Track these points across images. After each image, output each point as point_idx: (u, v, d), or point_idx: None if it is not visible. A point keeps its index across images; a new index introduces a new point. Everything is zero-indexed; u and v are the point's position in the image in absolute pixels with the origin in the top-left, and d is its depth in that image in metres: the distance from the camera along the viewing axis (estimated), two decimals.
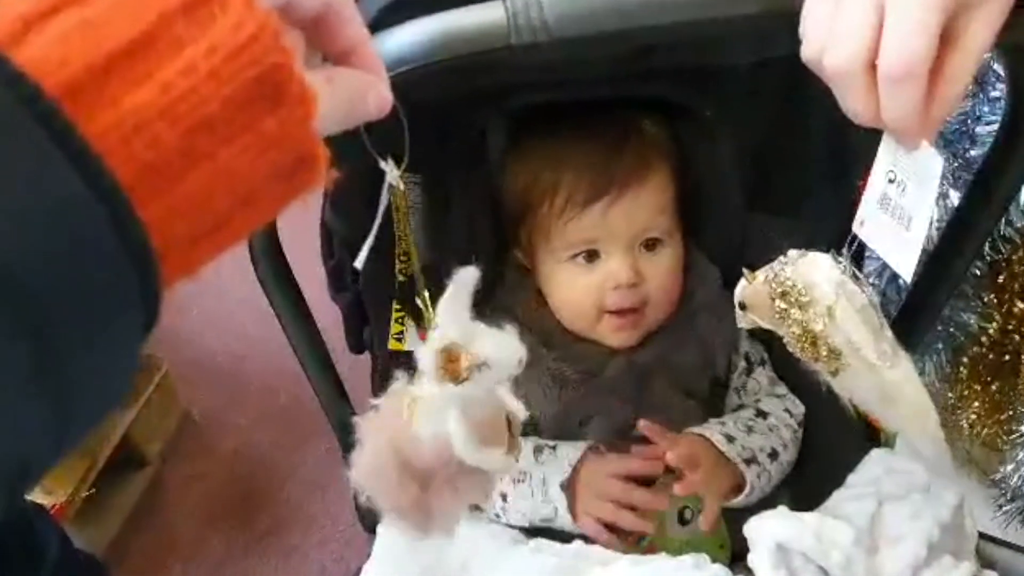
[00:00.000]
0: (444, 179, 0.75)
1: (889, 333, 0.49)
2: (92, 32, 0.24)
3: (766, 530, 0.62)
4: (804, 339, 0.49)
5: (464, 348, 0.41)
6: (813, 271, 0.49)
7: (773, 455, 0.75)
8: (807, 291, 0.48)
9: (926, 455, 0.59)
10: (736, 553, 0.75)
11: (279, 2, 0.30)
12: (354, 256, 0.76)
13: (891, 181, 0.44)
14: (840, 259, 0.49)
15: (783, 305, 0.49)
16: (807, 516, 0.66)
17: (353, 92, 0.34)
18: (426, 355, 0.41)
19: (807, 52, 0.42)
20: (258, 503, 1.45)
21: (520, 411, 0.45)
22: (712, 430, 0.74)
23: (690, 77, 0.72)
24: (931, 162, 0.43)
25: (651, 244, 0.75)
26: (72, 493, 1.24)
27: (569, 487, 0.72)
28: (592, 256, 0.75)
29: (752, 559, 0.64)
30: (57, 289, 0.22)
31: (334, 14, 0.33)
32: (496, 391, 0.44)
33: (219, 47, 0.25)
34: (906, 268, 0.46)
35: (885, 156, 0.44)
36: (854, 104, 0.40)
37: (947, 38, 0.38)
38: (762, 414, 0.78)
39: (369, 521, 0.76)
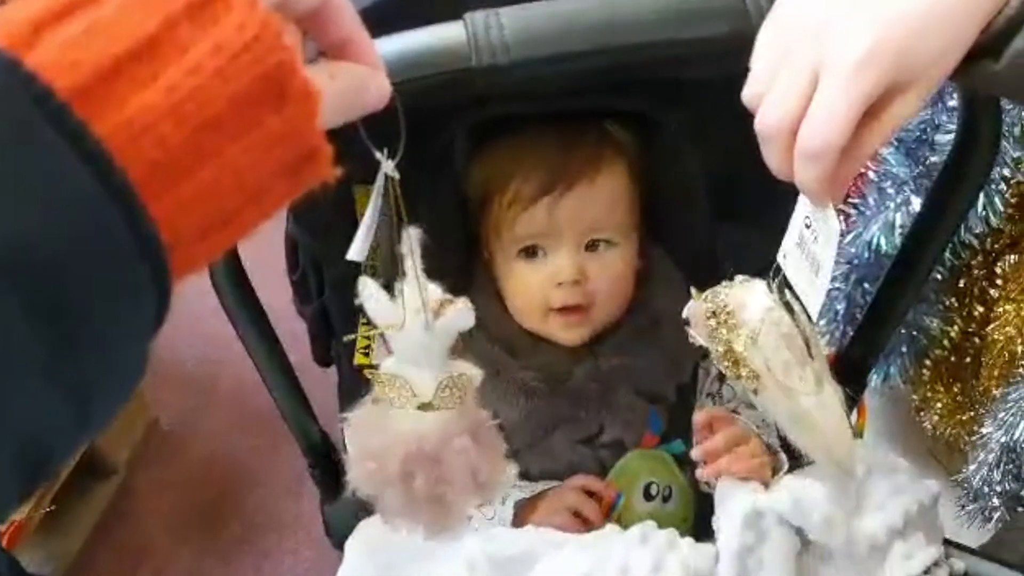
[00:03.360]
0: (410, 188, 0.74)
1: (818, 364, 0.52)
2: (100, 36, 0.25)
3: (741, 492, 0.63)
4: (728, 357, 0.51)
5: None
6: (747, 295, 0.52)
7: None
8: (736, 313, 0.51)
9: (834, 483, 0.60)
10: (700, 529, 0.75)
11: None
12: (319, 268, 0.76)
13: (807, 227, 0.47)
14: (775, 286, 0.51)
15: (713, 323, 0.52)
16: (782, 477, 0.66)
17: (354, 85, 0.34)
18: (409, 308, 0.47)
19: (747, 95, 0.43)
20: (229, 510, 1.43)
21: (475, 373, 0.51)
22: (748, 418, 0.74)
23: (657, 89, 0.72)
24: (833, 222, 0.45)
25: (597, 244, 0.76)
26: (33, 509, 1.21)
27: (524, 506, 0.73)
28: (539, 252, 0.75)
29: (716, 521, 0.64)
30: (73, 280, 0.23)
31: (330, 7, 0.34)
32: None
33: (224, 47, 0.26)
34: (813, 307, 0.49)
35: (803, 203, 0.47)
36: (772, 161, 0.43)
37: (869, 110, 0.39)
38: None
39: (337, 537, 0.75)
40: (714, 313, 0.51)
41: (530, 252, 0.75)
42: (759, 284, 0.52)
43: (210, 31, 0.26)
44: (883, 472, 0.68)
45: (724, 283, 0.53)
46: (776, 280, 0.51)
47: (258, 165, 0.28)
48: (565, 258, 0.74)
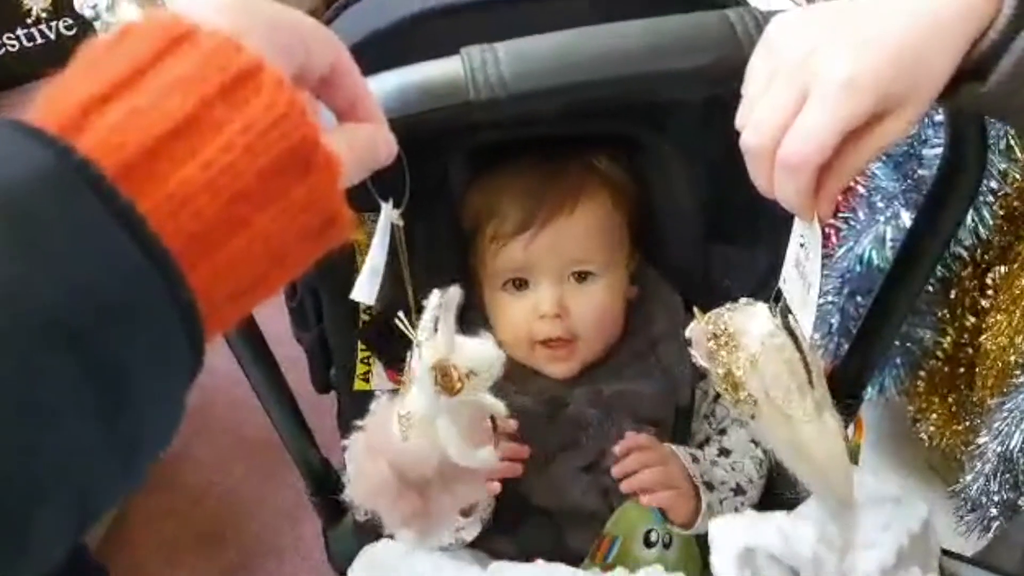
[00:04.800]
0: (407, 219, 0.75)
1: (819, 392, 0.51)
2: (142, 118, 0.27)
3: (732, 532, 0.63)
4: (727, 380, 0.51)
5: (452, 363, 0.48)
6: (748, 320, 0.52)
7: (737, 490, 0.76)
8: (736, 336, 0.51)
9: (832, 512, 0.61)
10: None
11: (293, 71, 0.33)
12: (317, 295, 0.76)
13: (802, 246, 0.48)
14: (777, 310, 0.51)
15: (714, 346, 0.52)
16: (774, 515, 0.66)
17: (367, 146, 0.36)
18: (420, 373, 0.47)
19: (738, 120, 0.45)
20: (226, 537, 1.42)
21: (499, 408, 0.51)
22: (679, 449, 0.76)
23: (646, 113, 0.73)
24: (818, 237, 0.46)
25: (581, 276, 0.76)
26: None
27: None
28: (522, 285, 0.76)
29: (714, 561, 0.65)
30: (122, 346, 0.25)
31: (340, 73, 0.36)
32: (479, 394, 0.50)
33: (253, 125, 0.28)
34: (806, 326, 0.50)
35: (798, 223, 0.47)
36: (757, 178, 0.44)
37: (856, 130, 0.40)
38: (725, 452, 0.78)
39: (340, 563, 0.75)
40: (715, 335, 0.51)
41: (514, 284, 0.76)
42: (762, 307, 0.52)
43: (242, 110, 0.28)
44: (870, 504, 0.68)
45: (727, 305, 0.53)
46: (779, 304, 0.51)
47: (285, 232, 0.29)
48: (545, 291, 0.75)
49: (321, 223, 0.30)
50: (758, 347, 0.50)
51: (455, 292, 0.46)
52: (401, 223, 0.44)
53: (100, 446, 0.25)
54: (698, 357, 0.53)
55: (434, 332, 0.49)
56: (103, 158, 0.26)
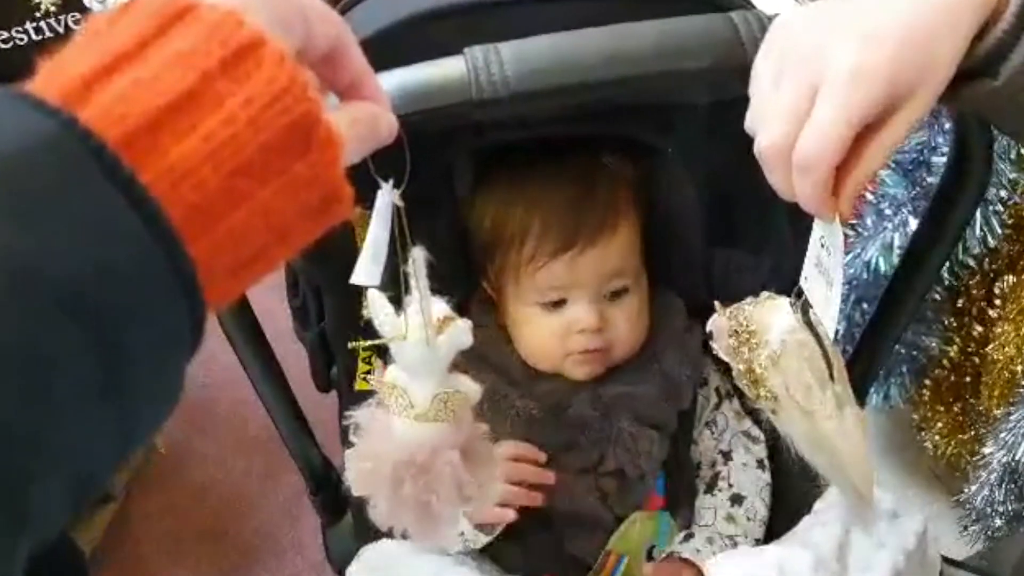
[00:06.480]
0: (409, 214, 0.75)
1: (839, 387, 0.51)
2: (144, 90, 0.27)
3: (728, 569, 0.63)
4: (748, 377, 0.51)
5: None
6: (770, 315, 0.51)
7: (756, 543, 0.76)
8: (758, 333, 0.50)
9: (853, 509, 0.60)
10: None
11: (295, 46, 0.33)
12: (319, 293, 0.76)
13: (822, 246, 0.47)
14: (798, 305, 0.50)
15: (734, 342, 0.51)
16: (768, 549, 0.66)
17: (369, 124, 0.37)
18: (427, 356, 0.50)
19: (748, 122, 0.44)
20: (227, 535, 1.42)
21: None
22: (706, 561, 0.73)
23: (651, 115, 0.73)
24: (839, 236, 0.46)
25: (617, 292, 0.76)
26: None
27: None
28: (559, 303, 0.76)
29: None
30: (124, 317, 0.25)
31: (342, 50, 0.36)
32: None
33: (255, 99, 0.28)
34: (828, 323, 0.49)
35: (818, 223, 0.47)
36: (773, 180, 0.44)
37: (869, 126, 0.40)
38: (738, 500, 0.78)
39: (338, 563, 0.75)
40: (736, 332, 0.50)
41: (555, 303, 0.75)
42: (783, 303, 0.51)
43: (243, 84, 0.28)
44: (864, 523, 0.67)
45: (749, 299, 0.52)
46: (800, 300, 0.50)
47: (285, 207, 0.30)
48: (585, 308, 0.74)
49: (322, 199, 0.31)
50: (779, 344, 0.49)
51: (419, 253, 0.46)
52: (401, 204, 0.43)
53: (100, 414, 0.25)
54: (718, 351, 0.52)
55: (399, 319, 0.50)
56: (105, 129, 0.26)
